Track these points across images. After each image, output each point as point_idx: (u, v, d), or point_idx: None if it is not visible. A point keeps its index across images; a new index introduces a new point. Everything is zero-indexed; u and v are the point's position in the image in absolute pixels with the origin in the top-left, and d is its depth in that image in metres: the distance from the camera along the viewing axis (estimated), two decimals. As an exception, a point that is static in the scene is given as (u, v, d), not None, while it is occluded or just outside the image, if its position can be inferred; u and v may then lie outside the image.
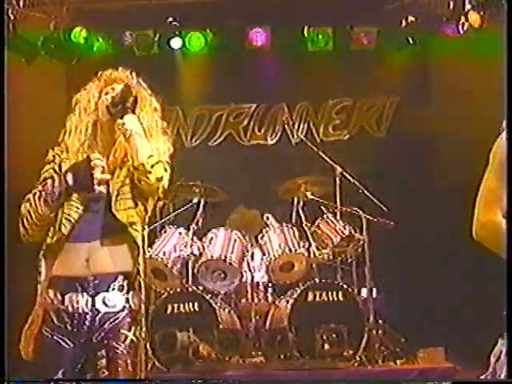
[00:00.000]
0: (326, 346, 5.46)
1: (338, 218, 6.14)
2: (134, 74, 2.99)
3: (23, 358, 2.76)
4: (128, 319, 2.73)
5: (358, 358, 5.43)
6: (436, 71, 7.27)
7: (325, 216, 6.14)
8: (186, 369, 5.33)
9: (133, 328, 2.73)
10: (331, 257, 6.03)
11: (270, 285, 6.05)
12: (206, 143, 7.74)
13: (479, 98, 6.33)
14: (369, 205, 6.05)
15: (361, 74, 7.32)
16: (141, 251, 2.80)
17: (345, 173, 6.28)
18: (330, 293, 5.64)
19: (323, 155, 6.38)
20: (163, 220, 6.30)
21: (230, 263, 5.80)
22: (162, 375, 5.29)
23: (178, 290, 5.74)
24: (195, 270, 5.87)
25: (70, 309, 2.71)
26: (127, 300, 2.75)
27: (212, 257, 5.83)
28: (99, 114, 2.88)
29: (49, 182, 2.77)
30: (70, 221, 2.76)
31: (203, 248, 5.95)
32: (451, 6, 6.69)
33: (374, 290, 5.96)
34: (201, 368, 5.38)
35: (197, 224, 6.14)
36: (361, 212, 5.97)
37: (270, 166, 7.36)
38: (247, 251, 6.05)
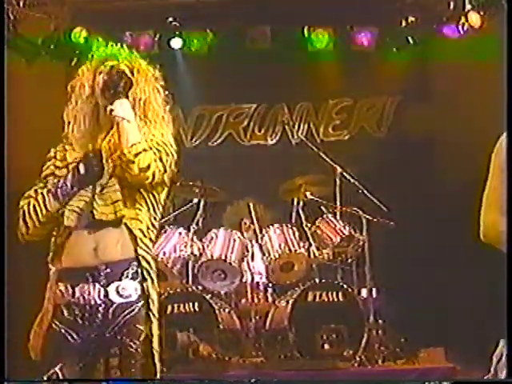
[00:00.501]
0: (326, 346, 5.46)
1: (338, 218, 6.14)
2: (125, 47, 2.89)
3: (32, 357, 2.65)
4: (143, 311, 2.60)
5: (358, 358, 5.43)
6: (436, 71, 7.27)
7: (325, 216, 6.14)
8: (186, 369, 5.33)
9: (148, 322, 2.61)
10: (331, 257, 6.03)
11: (270, 285, 6.05)
12: (206, 143, 7.74)
13: (479, 98, 6.32)
14: (369, 205, 6.05)
15: (361, 74, 7.32)
16: (140, 242, 2.65)
17: (345, 173, 6.28)
18: (329, 293, 5.64)
19: (323, 155, 6.38)
20: (163, 220, 6.29)
21: (230, 263, 5.80)
22: (162, 375, 5.28)
23: (178, 289, 5.73)
24: (195, 270, 5.87)
25: (82, 301, 2.59)
26: (142, 289, 2.63)
27: (212, 257, 5.84)
28: (96, 97, 2.76)
29: (57, 173, 2.70)
30: (75, 212, 2.65)
31: (203, 248, 5.95)
32: (451, 7, 6.68)
33: (374, 290, 5.96)
34: (201, 368, 5.38)
35: (197, 224, 6.14)
36: (361, 212, 5.98)
37: (270, 166, 7.36)
38: (247, 251, 6.05)
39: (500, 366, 2.24)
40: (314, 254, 5.95)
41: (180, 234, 6.02)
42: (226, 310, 5.70)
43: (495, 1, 6.17)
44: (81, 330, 2.58)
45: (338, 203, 6.23)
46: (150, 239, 2.72)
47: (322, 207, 6.23)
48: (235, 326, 5.69)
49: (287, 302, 5.68)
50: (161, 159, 2.67)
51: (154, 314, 2.63)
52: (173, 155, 2.76)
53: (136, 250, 2.64)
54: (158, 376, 2.63)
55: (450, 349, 5.64)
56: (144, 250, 2.66)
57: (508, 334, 2.20)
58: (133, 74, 2.77)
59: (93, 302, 2.59)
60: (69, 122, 2.80)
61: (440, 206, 6.82)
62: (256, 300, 5.93)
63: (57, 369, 2.53)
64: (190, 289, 5.77)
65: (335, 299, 5.63)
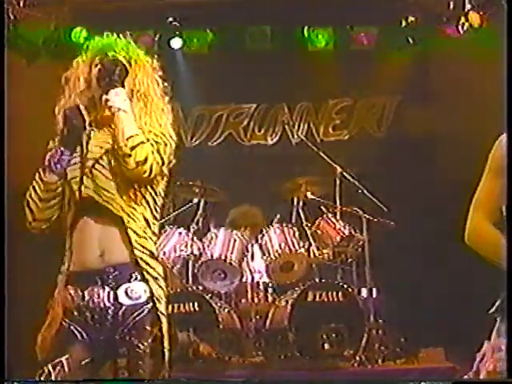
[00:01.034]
0: (326, 346, 5.47)
1: (338, 218, 6.14)
2: (122, 36, 2.82)
3: (38, 357, 2.59)
4: (153, 312, 2.58)
5: (358, 358, 5.43)
6: (436, 71, 7.27)
7: (325, 216, 6.14)
8: (186, 369, 5.33)
9: (158, 322, 2.58)
10: (331, 257, 6.04)
11: (270, 285, 6.05)
12: (206, 143, 7.74)
13: (479, 97, 6.32)
14: (369, 205, 6.05)
15: (361, 74, 7.32)
16: (135, 244, 2.59)
17: (345, 173, 6.28)
18: (330, 293, 5.64)
19: (323, 155, 6.38)
20: (163, 220, 6.30)
21: (230, 263, 5.80)
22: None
23: (178, 290, 5.74)
24: (195, 270, 5.87)
25: (91, 304, 2.57)
26: (151, 290, 2.59)
27: (212, 257, 5.84)
28: (92, 88, 2.68)
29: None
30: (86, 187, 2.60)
31: (203, 248, 5.95)
32: (451, 6, 6.69)
33: (374, 289, 5.97)
34: (201, 368, 5.38)
35: (197, 224, 6.15)
36: (361, 212, 5.98)
37: (270, 166, 7.36)
38: (247, 251, 6.05)
39: (482, 364, 2.24)
40: (314, 253, 5.95)
41: (180, 233, 6.01)
42: (226, 310, 5.70)
43: (495, 1, 6.17)
44: (90, 331, 2.57)
45: (338, 203, 6.23)
46: (150, 238, 2.67)
47: (322, 207, 6.23)
48: (235, 325, 5.69)
49: (287, 301, 5.68)
50: (158, 151, 2.61)
51: (162, 314, 2.61)
52: (171, 145, 2.69)
53: (132, 252, 2.60)
54: (167, 376, 2.61)
55: (450, 349, 5.64)
56: (140, 251, 2.61)
57: (508, 335, 2.20)
58: (130, 65, 2.72)
59: (102, 305, 2.57)
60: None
61: (440, 205, 6.81)
62: (256, 300, 5.93)
63: (63, 359, 2.50)
64: (190, 289, 5.77)
65: (335, 299, 5.63)
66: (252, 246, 6.11)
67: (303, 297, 5.64)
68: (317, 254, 5.96)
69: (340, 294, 5.64)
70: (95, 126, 2.71)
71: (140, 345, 2.55)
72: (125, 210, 2.61)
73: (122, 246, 2.61)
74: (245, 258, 6.02)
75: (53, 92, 2.79)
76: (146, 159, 2.55)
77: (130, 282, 2.59)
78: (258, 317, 5.82)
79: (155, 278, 2.63)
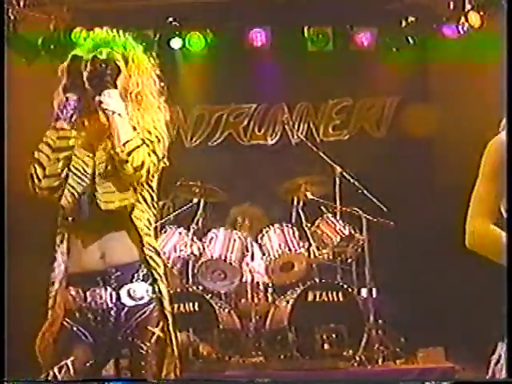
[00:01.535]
0: (326, 346, 5.47)
1: (338, 218, 6.14)
2: (115, 32, 2.76)
3: (40, 360, 2.58)
4: (156, 313, 2.57)
5: (358, 358, 5.43)
6: (436, 71, 7.27)
7: (325, 216, 6.14)
8: (186, 369, 5.32)
9: (161, 323, 2.57)
10: (331, 257, 6.04)
11: (270, 285, 6.05)
12: (206, 143, 7.74)
13: (479, 98, 6.32)
14: (369, 205, 6.05)
15: (361, 74, 7.32)
16: (145, 240, 2.60)
17: (345, 173, 6.28)
18: (330, 293, 5.64)
19: (323, 155, 6.38)
20: (163, 220, 6.31)
21: (230, 263, 5.80)
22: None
23: (178, 290, 5.74)
24: (195, 270, 5.87)
25: (94, 305, 2.56)
26: (154, 290, 2.58)
27: (212, 257, 5.84)
28: (85, 87, 2.63)
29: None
30: (73, 195, 2.58)
31: (203, 248, 5.95)
32: (451, 6, 6.69)
33: (374, 289, 5.96)
34: (201, 368, 5.38)
35: (197, 224, 6.15)
36: (361, 212, 5.98)
37: (270, 166, 7.35)
38: (247, 251, 6.06)
39: (498, 368, 2.24)
40: (314, 253, 5.96)
41: (180, 233, 6.02)
42: (226, 310, 5.71)
43: (495, 1, 6.17)
44: (93, 332, 2.56)
45: (338, 203, 6.23)
46: (153, 235, 2.67)
47: (322, 207, 6.23)
48: (235, 325, 5.69)
49: (287, 301, 5.68)
50: (154, 151, 2.60)
51: (169, 312, 2.60)
52: (164, 140, 2.67)
53: (143, 251, 2.60)
54: (172, 376, 2.61)
55: (450, 349, 5.64)
56: (149, 250, 2.61)
57: (508, 335, 2.20)
58: (126, 63, 2.69)
59: (105, 306, 2.56)
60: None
61: (440, 205, 6.81)
62: (256, 300, 5.93)
63: (68, 361, 2.50)
64: (190, 289, 5.78)
65: (335, 299, 5.63)
66: (252, 246, 6.12)
67: (303, 297, 5.64)
68: (317, 254, 5.96)
69: (340, 294, 5.64)
70: (90, 125, 2.69)
71: (143, 345, 2.54)
72: (127, 208, 2.60)
73: (123, 247, 2.60)
74: (245, 258, 6.03)
75: (53, 92, 2.78)
76: (142, 163, 2.54)
77: (132, 282, 2.57)
78: (257, 317, 5.82)
79: (161, 277, 2.63)
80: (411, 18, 6.92)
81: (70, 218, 2.61)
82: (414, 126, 7.21)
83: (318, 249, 5.99)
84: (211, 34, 7.26)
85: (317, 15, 7.04)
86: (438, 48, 7.06)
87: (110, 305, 2.56)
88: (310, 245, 5.99)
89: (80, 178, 2.60)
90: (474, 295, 6.05)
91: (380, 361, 5.52)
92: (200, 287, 5.78)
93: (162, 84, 2.82)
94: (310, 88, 7.50)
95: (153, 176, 2.67)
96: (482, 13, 6.44)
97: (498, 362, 2.23)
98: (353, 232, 5.98)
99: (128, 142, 2.54)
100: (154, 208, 2.72)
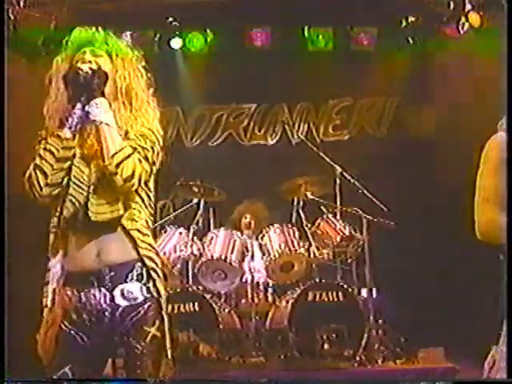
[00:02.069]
0: (326, 346, 5.46)
1: (338, 217, 6.14)
2: (100, 29, 2.73)
3: (43, 361, 2.57)
4: (150, 313, 2.56)
5: (358, 358, 5.43)
6: (436, 71, 7.27)
7: (325, 216, 6.14)
8: (186, 369, 5.33)
9: (156, 322, 2.56)
10: (331, 257, 6.03)
11: (270, 285, 6.05)
12: (206, 143, 7.75)
13: (479, 98, 6.33)
14: (369, 205, 6.05)
15: (361, 74, 7.32)
16: (142, 240, 2.59)
17: (345, 173, 6.28)
18: (329, 293, 5.64)
19: (323, 155, 6.38)
20: (163, 220, 6.31)
21: (230, 263, 5.80)
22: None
23: (178, 290, 5.73)
24: (195, 270, 5.87)
25: (88, 306, 2.55)
26: (148, 290, 2.58)
27: (212, 257, 5.84)
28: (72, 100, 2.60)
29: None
30: (74, 205, 2.56)
31: (203, 248, 5.95)
32: (451, 6, 6.69)
33: (374, 289, 5.96)
34: (201, 368, 5.38)
35: (197, 224, 6.15)
36: (361, 212, 5.98)
37: (270, 166, 7.36)
38: (247, 251, 6.06)
39: (492, 372, 2.24)
40: (314, 254, 5.95)
41: (180, 233, 6.02)
42: (226, 310, 5.71)
43: (495, 1, 6.17)
44: (89, 333, 2.55)
45: (338, 203, 6.23)
46: (151, 235, 2.66)
47: (322, 207, 6.23)
48: (235, 325, 5.69)
49: (287, 301, 5.68)
50: (146, 157, 2.57)
51: (165, 312, 2.60)
52: (159, 142, 2.65)
53: (138, 252, 2.59)
54: (170, 374, 2.59)
55: (450, 349, 5.63)
56: (146, 249, 2.61)
57: (508, 335, 2.20)
58: (111, 59, 2.68)
59: (99, 307, 2.55)
60: (49, 117, 2.70)
61: (440, 205, 6.81)
62: (256, 300, 5.93)
63: (67, 369, 2.50)
64: (190, 289, 5.77)
65: (335, 299, 5.63)
66: (252, 246, 6.12)
67: (303, 297, 5.63)
68: (317, 254, 5.96)
69: (340, 294, 5.63)
70: (81, 139, 2.65)
71: (138, 345, 2.53)
72: (125, 209, 2.59)
73: (119, 245, 2.59)
74: (245, 258, 6.03)
75: (47, 91, 2.78)
76: (133, 174, 2.52)
77: (126, 282, 2.57)
78: (257, 317, 5.82)
79: (159, 276, 2.63)
80: (411, 18, 6.93)
81: (67, 222, 2.60)
82: (414, 126, 7.22)
83: (317, 249, 5.99)
84: (211, 34, 7.26)
85: (317, 15, 7.04)
86: (438, 48, 7.06)
87: (104, 305, 2.55)
88: (310, 245, 5.99)
89: (80, 188, 2.59)
90: (474, 295, 6.05)
91: (380, 361, 5.51)
92: (200, 287, 5.78)
93: (149, 75, 2.80)
94: (310, 88, 7.50)
95: (147, 180, 2.66)
96: (482, 13, 6.44)
97: (492, 366, 2.24)
98: (353, 232, 5.98)
99: (116, 153, 2.52)
100: (152, 208, 2.71)
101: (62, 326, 2.56)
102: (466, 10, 6.53)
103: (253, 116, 7.77)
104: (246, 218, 6.49)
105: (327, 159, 6.37)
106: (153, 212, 2.73)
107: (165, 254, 5.84)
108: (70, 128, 2.58)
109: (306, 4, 6.87)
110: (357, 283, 5.92)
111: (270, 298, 6.00)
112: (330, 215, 6.14)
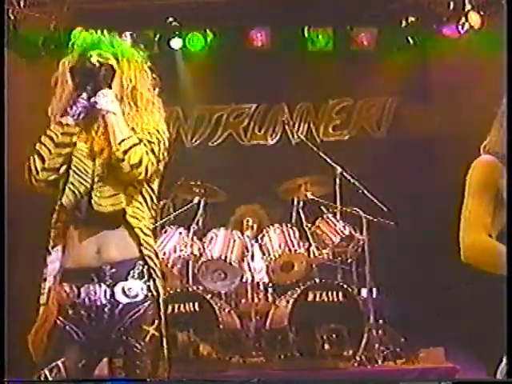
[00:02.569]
0: (326, 346, 5.46)
1: (338, 217, 6.14)
2: (106, 32, 2.77)
3: (33, 358, 2.56)
4: (150, 312, 2.56)
5: (358, 358, 5.42)
6: (436, 71, 7.27)
7: (325, 216, 6.14)
8: (186, 369, 5.33)
9: (156, 321, 2.56)
10: (331, 257, 6.03)
11: (270, 285, 6.05)
12: (206, 143, 7.75)
13: (479, 98, 6.32)
14: (369, 205, 6.05)
15: (361, 74, 7.32)
16: (143, 239, 2.59)
17: (345, 173, 6.28)
18: (329, 293, 5.64)
19: (323, 155, 6.38)
20: (163, 220, 6.31)
21: (230, 263, 5.80)
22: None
23: (178, 290, 5.73)
24: (195, 270, 5.87)
25: (87, 302, 2.53)
26: (149, 288, 2.58)
27: (212, 257, 5.84)
28: (79, 92, 2.63)
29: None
30: (74, 193, 2.57)
31: (203, 248, 5.95)
32: (451, 7, 6.70)
33: (374, 289, 5.96)
34: (201, 368, 5.37)
35: (197, 224, 6.15)
36: (361, 212, 5.97)
37: (270, 166, 7.36)
38: (247, 251, 6.06)
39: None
40: (314, 253, 5.95)
41: (180, 233, 6.02)
42: (226, 310, 5.70)
43: (495, 1, 6.17)
44: (86, 330, 2.54)
45: (338, 203, 6.23)
46: (151, 236, 2.66)
47: (322, 207, 6.23)
48: (235, 325, 5.69)
49: (287, 301, 5.67)
50: (153, 150, 2.60)
51: (163, 313, 2.60)
52: (165, 142, 2.68)
53: (141, 251, 2.59)
54: (166, 375, 2.58)
55: (450, 349, 5.63)
56: (147, 249, 2.61)
57: (508, 335, 2.20)
58: (117, 61, 2.70)
59: (99, 303, 2.53)
60: (54, 116, 2.71)
61: (439, 205, 6.81)
62: (256, 300, 5.93)
63: (59, 362, 2.48)
64: (190, 289, 5.77)
65: (335, 299, 5.62)
66: (252, 246, 6.12)
67: (303, 297, 5.63)
68: (317, 254, 5.96)
69: (340, 294, 5.63)
70: (86, 129, 2.68)
71: (137, 344, 2.52)
72: (128, 203, 2.60)
73: (120, 243, 2.59)
74: (245, 258, 6.02)
75: (53, 92, 2.78)
76: (140, 161, 2.53)
77: (127, 280, 2.56)
78: (258, 317, 5.82)
79: (159, 276, 2.62)
80: (411, 18, 6.93)
81: (68, 215, 2.60)
82: (414, 125, 7.22)
83: (317, 249, 5.98)
84: (211, 34, 7.27)
85: (317, 15, 7.04)
86: (438, 48, 7.07)
87: (104, 302, 2.54)
88: (310, 245, 5.99)
89: (82, 178, 2.60)
90: (474, 295, 6.05)
91: (380, 361, 5.51)
92: (200, 287, 5.77)
93: (155, 76, 2.83)
94: (310, 88, 7.51)
95: (152, 176, 2.66)
96: (482, 13, 6.45)
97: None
98: (353, 232, 5.98)
99: (124, 140, 2.55)
100: (154, 210, 2.72)
101: (58, 321, 2.54)
102: (466, 10, 6.53)
103: (253, 116, 7.78)
104: (245, 218, 6.49)
105: (327, 159, 6.36)
106: (154, 215, 2.73)
107: (165, 254, 5.84)
108: (73, 116, 2.60)
109: (305, 4, 6.88)
110: (357, 283, 5.91)
111: (270, 298, 6.00)
112: (330, 215, 6.14)
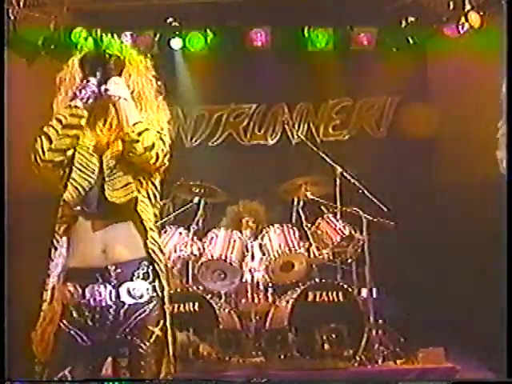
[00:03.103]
0: (326, 346, 5.46)
1: (338, 217, 6.14)
2: (116, 36, 2.82)
3: (39, 359, 2.56)
4: (155, 312, 2.55)
5: (358, 358, 5.42)
6: (436, 71, 7.27)
7: (325, 216, 6.14)
8: (186, 369, 5.33)
9: (160, 322, 2.55)
10: (331, 257, 6.03)
11: (270, 285, 6.04)
12: (206, 143, 7.75)
13: (479, 97, 6.32)
14: (369, 205, 6.05)
15: (361, 74, 7.32)
16: (149, 233, 2.60)
17: (345, 173, 6.28)
18: (329, 293, 5.64)
19: (323, 155, 6.38)
20: (163, 220, 6.30)
21: (230, 263, 5.80)
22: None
23: (178, 290, 5.74)
24: (195, 270, 5.87)
25: (92, 302, 2.52)
26: (154, 289, 2.58)
27: (212, 257, 5.84)
28: (90, 82, 2.66)
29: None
30: (77, 190, 2.58)
31: (203, 248, 5.95)
32: (451, 6, 6.69)
33: (374, 289, 5.96)
34: (201, 368, 5.37)
35: (197, 224, 6.15)
36: (361, 212, 5.97)
37: (270, 166, 7.37)
38: (247, 251, 6.06)
39: None
40: (314, 254, 5.95)
41: (180, 233, 6.02)
42: (226, 310, 5.70)
43: (495, 1, 6.17)
44: (91, 332, 2.53)
45: (338, 203, 6.22)
46: (156, 231, 2.68)
47: (322, 207, 6.23)
48: (235, 325, 5.69)
49: (287, 301, 5.68)
50: (162, 139, 2.64)
51: (168, 311, 2.60)
52: (168, 142, 2.71)
53: (146, 244, 2.60)
54: (170, 376, 2.58)
55: (450, 349, 5.63)
56: (152, 244, 2.62)
57: (508, 335, 2.20)
58: (124, 65, 2.74)
59: (104, 304, 2.53)
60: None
61: (440, 205, 6.81)
62: (256, 300, 5.92)
63: (66, 371, 2.49)
64: (190, 289, 5.77)
65: (335, 299, 5.63)
66: (252, 246, 6.12)
67: (303, 297, 5.63)
68: (317, 254, 5.95)
69: (340, 294, 5.63)
70: (97, 118, 2.72)
71: (142, 345, 2.52)
72: (136, 200, 2.61)
73: (126, 242, 2.59)
74: (245, 258, 6.02)
75: (53, 92, 2.79)
76: (153, 144, 2.57)
77: (132, 280, 2.56)
78: (258, 317, 5.82)
79: (163, 272, 2.63)
80: (411, 18, 6.93)
81: (75, 208, 2.59)
82: (414, 125, 7.21)
83: (317, 249, 5.98)
84: (211, 34, 7.26)
85: (317, 15, 7.04)
86: (438, 48, 7.06)
87: (109, 302, 2.53)
88: (310, 245, 5.99)
89: (86, 174, 2.61)
90: (474, 295, 6.05)
91: (380, 361, 5.51)
92: (200, 287, 5.78)
93: (159, 83, 2.86)
94: (310, 88, 7.51)
95: (157, 171, 2.68)
96: (482, 13, 6.44)
97: None
98: (353, 232, 5.98)
99: (137, 123, 2.59)
100: (157, 207, 2.74)
101: (62, 324, 2.54)
102: (466, 9, 6.52)
103: (253, 116, 7.78)
104: (246, 218, 6.49)
105: (327, 159, 6.36)
106: (157, 212, 2.74)
107: (165, 254, 5.82)
108: (82, 99, 2.63)
109: (305, 4, 6.88)
110: (357, 283, 5.91)
111: (270, 298, 5.99)
112: (329, 215, 6.14)
